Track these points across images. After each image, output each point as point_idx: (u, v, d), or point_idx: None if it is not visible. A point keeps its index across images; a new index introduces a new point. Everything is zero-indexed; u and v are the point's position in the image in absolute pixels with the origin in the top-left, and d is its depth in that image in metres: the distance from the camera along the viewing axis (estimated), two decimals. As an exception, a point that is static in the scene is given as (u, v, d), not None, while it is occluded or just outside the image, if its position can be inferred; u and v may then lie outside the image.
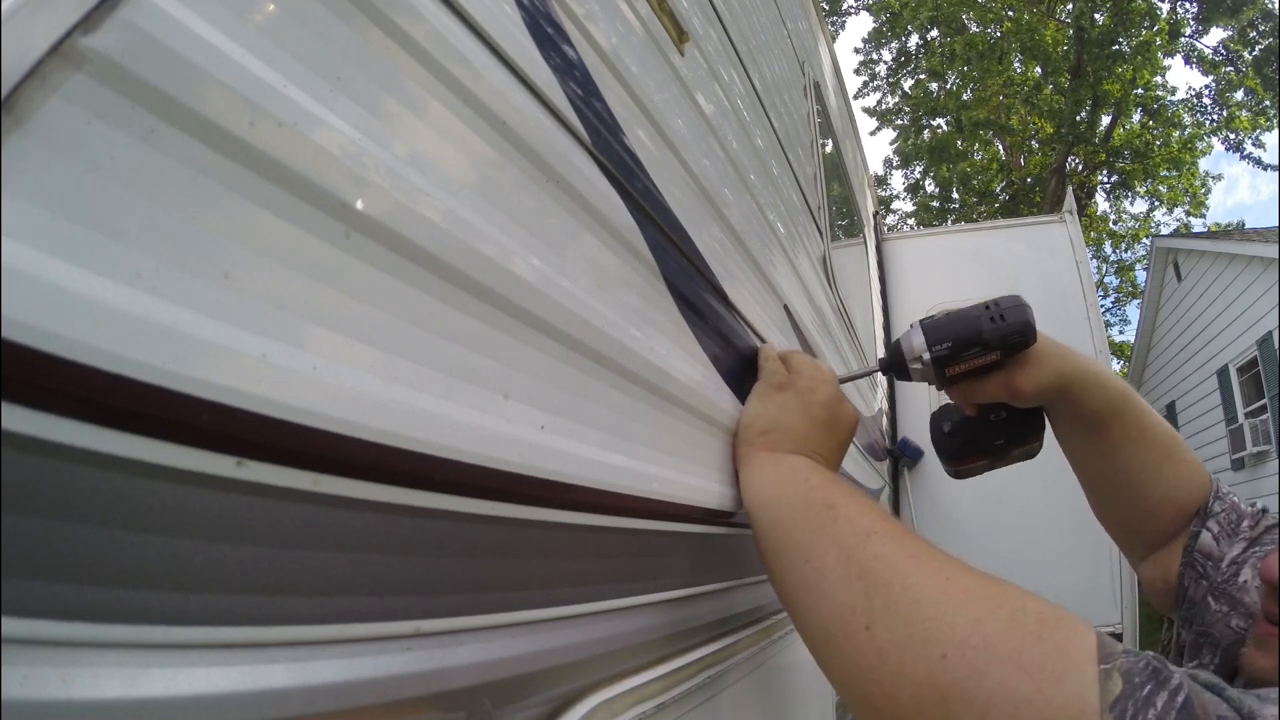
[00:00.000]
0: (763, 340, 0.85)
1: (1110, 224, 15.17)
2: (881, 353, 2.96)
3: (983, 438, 0.81)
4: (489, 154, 0.40)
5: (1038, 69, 12.75)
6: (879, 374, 0.79)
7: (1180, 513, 0.74)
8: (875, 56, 14.59)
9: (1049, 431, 0.80)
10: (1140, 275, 14.71)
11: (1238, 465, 8.66)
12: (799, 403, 0.68)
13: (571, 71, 0.49)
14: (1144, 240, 14.52)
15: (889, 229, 6.14)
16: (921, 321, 0.75)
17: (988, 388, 0.75)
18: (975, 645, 0.40)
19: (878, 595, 0.45)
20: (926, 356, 0.73)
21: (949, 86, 13.64)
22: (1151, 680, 0.38)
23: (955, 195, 14.74)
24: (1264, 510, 0.73)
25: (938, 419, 0.85)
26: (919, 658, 0.41)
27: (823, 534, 0.51)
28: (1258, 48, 11.04)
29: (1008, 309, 0.72)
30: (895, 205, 15.89)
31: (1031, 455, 0.82)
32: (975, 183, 13.99)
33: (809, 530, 0.52)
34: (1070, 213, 3.38)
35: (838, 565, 0.48)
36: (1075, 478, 0.82)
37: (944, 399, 0.83)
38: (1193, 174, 13.20)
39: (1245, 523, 0.72)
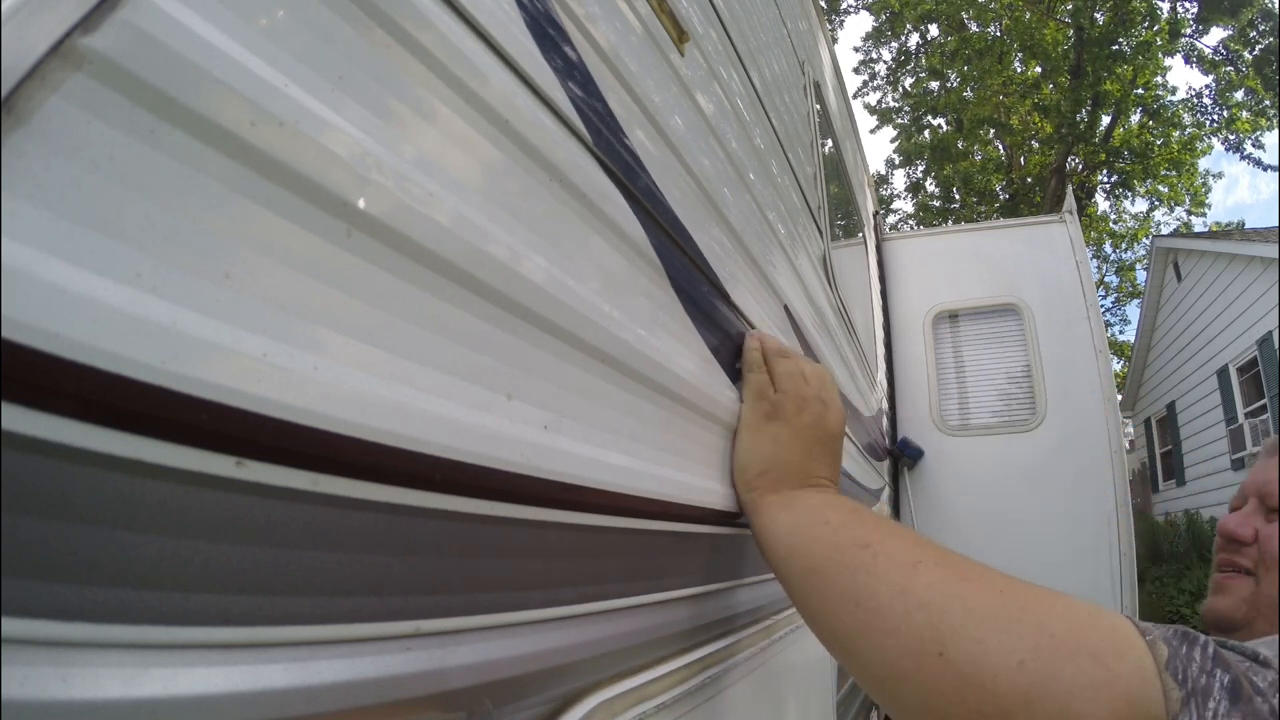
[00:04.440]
0: None
1: (1110, 224, 15.18)
2: (882, 352, 2.96)
3: None
4: (490, 153, 0.40)
5: (1038, 68, 12.75)
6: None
7: None
8: (875, 55, 14.61)
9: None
10: (1140, 275, 14.75)
11: (1237, 465, 8.65)
12: (790, 431, 0.67)
13: (572, 71, 0.49)
14: (1144, 240, 14.53)
15: (890, 229, 6.13)
16: None
17: None
18: (1046, 646, 0.43)
19: (944, 621, 0.47)
20: None
21: (949, 85, 13.64)
22: (1185, 641, 0.44)
23: (956, 195, 14.74)
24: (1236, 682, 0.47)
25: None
26: (1000, 670, 0.44)
27: (868, 574, 0.52)
28: (1258, 48, 11.04)
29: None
30: (896, 205, 15.92)
31: None
32: (976, 181, 14.00)
33: (850, 574, 0.52)
34: (1070, 213, 3.37)
35: (894, 601, 0.49)
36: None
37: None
38: (1193, 174, 13.21)
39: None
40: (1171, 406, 10.84)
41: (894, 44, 14.29)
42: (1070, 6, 11.84)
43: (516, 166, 0.42)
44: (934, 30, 13.64)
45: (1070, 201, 3.43)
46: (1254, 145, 11.76)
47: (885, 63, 14.61)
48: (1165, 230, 13.79)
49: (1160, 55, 11.75)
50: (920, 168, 15.14)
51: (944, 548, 0.53)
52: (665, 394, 0.58)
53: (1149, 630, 0.45)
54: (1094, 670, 0.42)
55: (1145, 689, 0.41)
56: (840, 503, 0.62)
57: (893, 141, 15.23)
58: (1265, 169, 11.88)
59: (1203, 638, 0.44)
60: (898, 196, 15.97)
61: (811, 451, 0.66)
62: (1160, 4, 11.50)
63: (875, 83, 14.75)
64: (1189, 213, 13.77)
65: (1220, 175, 14.03)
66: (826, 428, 0.68)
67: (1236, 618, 0.71)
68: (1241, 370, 8.76)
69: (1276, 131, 11.73)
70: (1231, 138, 11.85)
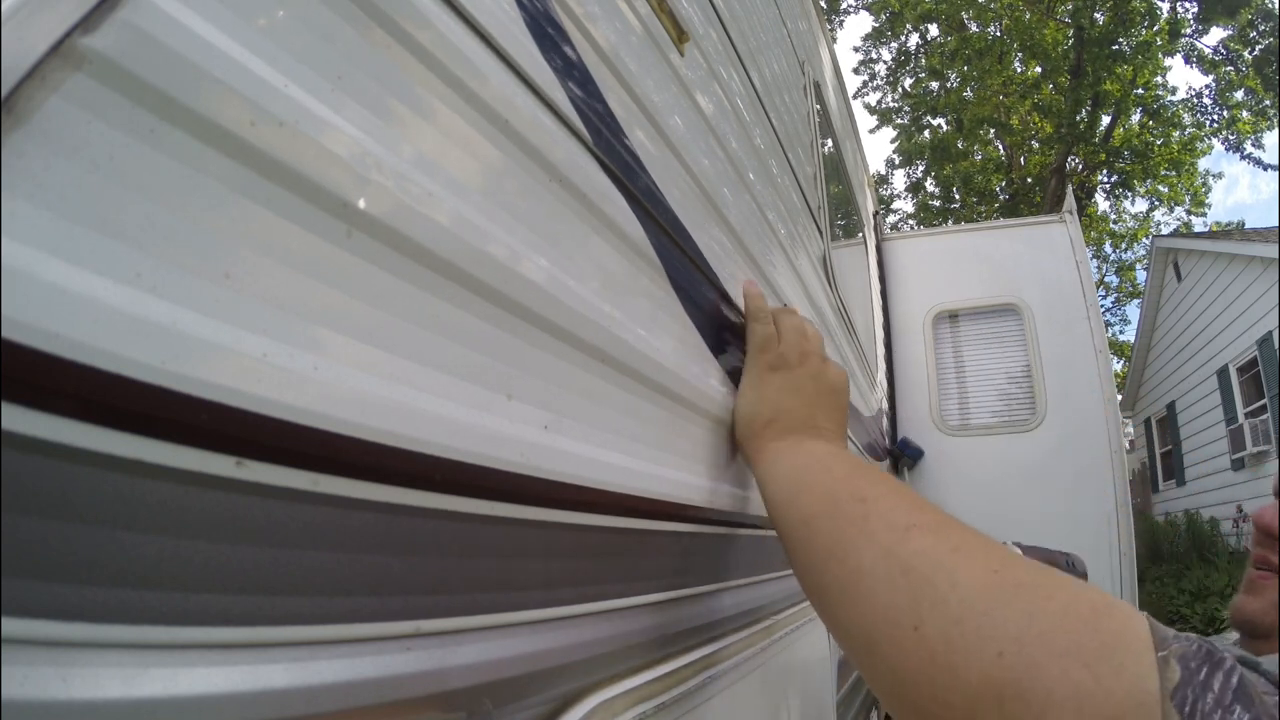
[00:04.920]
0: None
1: (1110, 224, 15.19)
2: (882, 352, 2.96)
3: None
4: (489, 153, 0.40)
5: (1038, 68, 12.76)
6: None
7: None
8: (875, 55, 14.62)
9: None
10: (1140, 275, 14.76)
11: (1237, 465, 8.65)
12: (794, 382, 0.67)
13: (572, 71, 0.49)
14: (1144, 240, 14.54)
15: (890, 229, 6.13)
16: (1020, 545, 0.94)
17: None
18: (1031, 640, 0.38)
19: (924, 594, 0.42)
20: None
21: (949, 85, 13.65)
22: (1206, 663, 0.37)
23: (956, 195, 14.75)
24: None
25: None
26: (973, 656, 0.39)
27: (857, 530, 0.48)
28: (1258, 48, 11.04)
29: (1079, 570, 1.00)
30: (896, 205, 15.93)
31: None
32: (976, 181, 14.01)
33: (840, 527, 0.49)
34: (1070, 213, 3.37)
35: (876, 563, 0.45)
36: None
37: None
38: (1192, 174, 13.23)
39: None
40: (1171, 406, 10.84)
41: (894, 44, 14.31)
42: (1070, 6, 11.85)
43: (516, 166, 0.42)
44: (934, 30, 13.66)
45: (1070, 201, 3.43)
46: (1254, 145, 11.78)
47: (885, 63, 14.63)
48: (1165, 230, 13.81)
49: (1160, 55, 11.76)
50: (920, 168, 15.15)
51: (950, 517, 0.48)
52: (665, 394, 0.58)
53: (1167, 642, 0.38)
54: (1081, 679, 0.36)
55: (1138, 714, 0.35)
56: (847, 456, 0.59)
57: (893, 141, 15.26)
58: (1265, 169, 11.90)
59: (1229, 660, 0.37)
60: (898, 196, 16.00)
61: (817, 401, 0.66)
62: (1160, 4, 11.52)
63: (875, 83, 14.77)
64: (1189, 213, 13.79)
65: (1220, 175, 14.05)
66: (829, 381, 0.68)
67: (1265, 623, 0.63)
68: (1241, 370, 8.76)
69: (1276, 131, 11.75)
70: (1231, 138, 11.86)
